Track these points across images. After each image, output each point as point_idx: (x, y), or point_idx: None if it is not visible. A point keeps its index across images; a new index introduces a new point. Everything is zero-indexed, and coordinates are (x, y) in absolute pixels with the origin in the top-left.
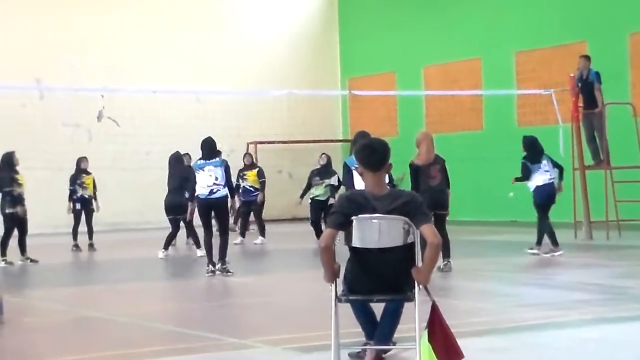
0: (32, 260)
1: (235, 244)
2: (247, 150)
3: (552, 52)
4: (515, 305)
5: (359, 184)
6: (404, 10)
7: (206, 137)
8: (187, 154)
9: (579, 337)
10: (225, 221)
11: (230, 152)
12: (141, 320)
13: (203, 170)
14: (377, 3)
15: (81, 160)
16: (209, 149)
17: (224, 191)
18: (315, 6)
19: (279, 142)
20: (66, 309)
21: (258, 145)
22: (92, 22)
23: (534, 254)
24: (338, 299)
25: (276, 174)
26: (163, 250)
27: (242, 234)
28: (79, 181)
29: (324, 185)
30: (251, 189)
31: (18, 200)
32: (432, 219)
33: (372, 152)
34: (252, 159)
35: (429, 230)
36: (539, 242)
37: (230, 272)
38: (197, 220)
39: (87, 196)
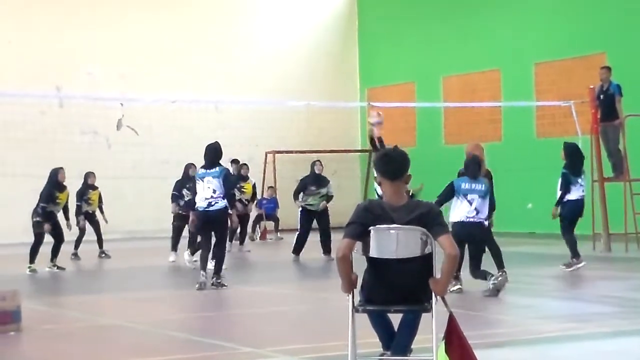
0: (59, 268)
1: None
2: (265, 159)
3: (571, 64)
4: (533, 317)
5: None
6: (424, 21)
7: (212, 142)
8: (192, 164)
9: (598, 349)
10: (223, 234)
11: (249, 161)
12: (158, 329)
13: (202, 181)
14: (396, 13)
15: (88, 176)
16: (212, 156)
17: (222, 203)
18: (335, 16)
19: (297, 152)
20: (84, 316)
21: (276, 155)
22: (111, 32)
23: (577, 268)
24: (355, 309)
25: (294, 184)
26: (191, 256)
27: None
28: (85, 197)
29: (319, 195)
30: (246, 202)
31: (49, 216)
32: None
33: (390, 162)
34: (247, 171)
35: (446, 241)
36: (576, 254)
37: (224, 285)
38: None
39: (91, 212)
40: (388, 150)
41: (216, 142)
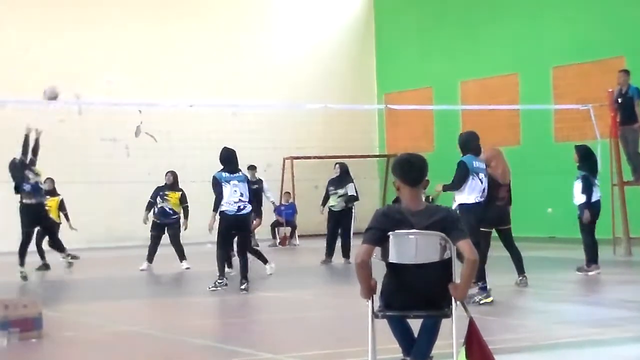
0: (73, 257)
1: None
2: (283, 164)
3: (589, 67)
4: (553, 322)
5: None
6: (441, 26)
7: (228, 148)
8: (173, 171)
9: (619, 355)
10: (247, 239)
11: (267, 166)
12: (177, 335)
13: (229, 184)
14: (414, 18)
15: (44, 182)
16: (234, 161)
17: (249, 207)
18: (352, 22)
19: (314, 157)
20: (103, 323)
21: (294, 160)
22: (130, 39)
23: (597, 274)
24: (375, 315)
25: (312, 189)
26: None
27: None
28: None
29: (337, 195)
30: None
31: (35, 190)
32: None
33: (410, 167)
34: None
35: (466, 246)
36: (595, 260)
37: (246, 290)
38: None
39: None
40: (407, 156)
41: (231, 148)
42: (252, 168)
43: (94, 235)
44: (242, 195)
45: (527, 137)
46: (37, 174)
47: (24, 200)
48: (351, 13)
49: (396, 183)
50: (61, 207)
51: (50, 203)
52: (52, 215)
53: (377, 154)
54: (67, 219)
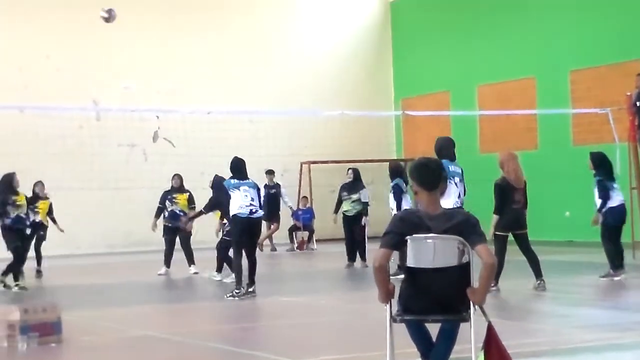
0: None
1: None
2: (301, 169)
3: (607, 71)
4: (572, 326)
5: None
6: (458, 30)
7: (238, 157)
8: (178, 174)
9: (638, 359)
10: (256, 242)
11: (284, 171)
12: (196, 340)
13: (239, 190)
14: (430, 23)
15: (36, 185)
16: (243, 170)
17: (261, 212)
18: (369, 26)
19: (332, 162)
20: (121, 327)
21: (311, 165)
22: (147, 47)
23: (612, 280)
24: (393, 319)
25: (329, 194)
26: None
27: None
28: (31, 206)
29: (350, 200)
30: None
31: (16, 221)
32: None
33: (427, 172)
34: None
35: (484, 250)
36: (621, 265)
37: (254, 294)
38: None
39: (37, 221)
40: (424, 160)
41: (240, 157)
42: (270, 173)
43: (113, 240)
44: (252, 199)
45: (545, 141)
46: (18, 206)
47: (5, 223)
48: (368, 18)
49: (413, 187)
50: (50, 211)
51: (41, 206)
52: (41, 217)
53: (395, 158)
54: (55, 222)
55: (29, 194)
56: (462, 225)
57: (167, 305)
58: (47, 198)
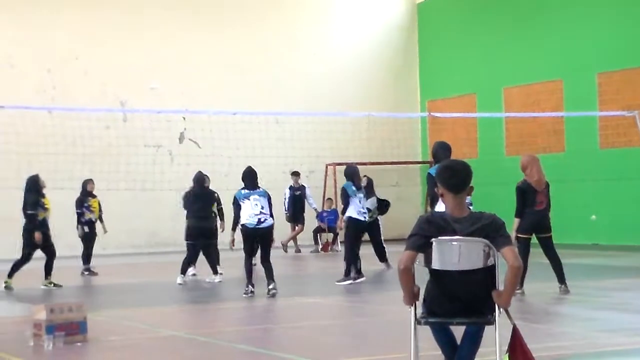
0: (55, 285)
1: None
2: (326, 171)
3: (635, 73)
4: (598, 330)
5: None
6: (484, 32)
7: (251, 167)
8: (206, 175)
9: None
10: (269, 249)
11: (310, 173)
12: (220, 340)
13: (249, 200)
14: (456, 25)
15: (87, 183)
16: (254, 179)
17: (271, 220)
18: (395, 29)
19: (357, 163)
20: (146, 327)
21: (336, 166)
22: (174, 47)
23: None
24: (417, 322)
25: None
26: (181, 275)
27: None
28: (86, 204)
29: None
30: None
31: (42, 225)
32: (514, 240)
33: (453, 174)
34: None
35: (510, 252)
36: None
37: (275, 290)
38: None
39: (94, 220)
40: (451, 163)
41: (252, 167)
42: (295, 174)
43: (138, 240)
44: (262, 208)
45: (572, 144)
46: (46, 209)
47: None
48: (395, 19)
49: (439, 190)
50: (99, 207)
51: (94, 204)
52: (96, 216)
53: (420, 160)
54: (102, 221)
55: (58, 195)
56: (488, 228)
57: (192, 306)
58: (95, 196)
